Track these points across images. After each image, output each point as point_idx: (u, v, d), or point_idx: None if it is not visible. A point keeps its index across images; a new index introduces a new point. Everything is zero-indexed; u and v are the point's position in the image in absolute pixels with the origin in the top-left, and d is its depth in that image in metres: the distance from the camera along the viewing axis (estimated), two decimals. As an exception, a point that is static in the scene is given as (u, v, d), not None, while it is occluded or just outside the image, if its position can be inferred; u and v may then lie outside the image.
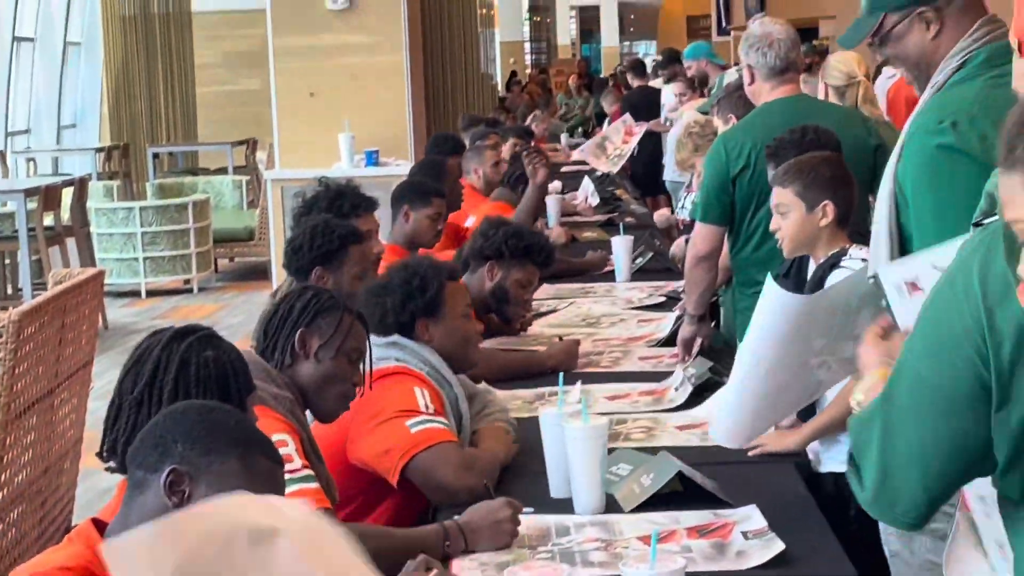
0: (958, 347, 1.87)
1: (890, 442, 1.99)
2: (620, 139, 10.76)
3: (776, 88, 4.75)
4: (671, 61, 12.91)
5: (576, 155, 11.28)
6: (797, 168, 3.69)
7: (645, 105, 11.98)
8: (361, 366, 3.14)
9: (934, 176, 2.79)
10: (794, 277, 3.80)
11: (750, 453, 3.38)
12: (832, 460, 3.43)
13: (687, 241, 5.60)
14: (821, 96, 5.78)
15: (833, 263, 3.56)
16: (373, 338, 3.48)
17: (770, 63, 4.73)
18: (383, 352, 3.47)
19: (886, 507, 2.04)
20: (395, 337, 3.54)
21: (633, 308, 5.31)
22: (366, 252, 4.30)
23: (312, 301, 3.13)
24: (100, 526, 2.14)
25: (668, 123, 11.35)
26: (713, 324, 4.81)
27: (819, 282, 3.53)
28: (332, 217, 4.38)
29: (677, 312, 4.81)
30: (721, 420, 3.35)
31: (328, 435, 3.24)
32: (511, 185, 7.11)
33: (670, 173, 9.85)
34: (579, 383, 3.74)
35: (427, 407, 3.27)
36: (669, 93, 11.61)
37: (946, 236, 2.69)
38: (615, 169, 10.27)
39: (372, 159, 9.66)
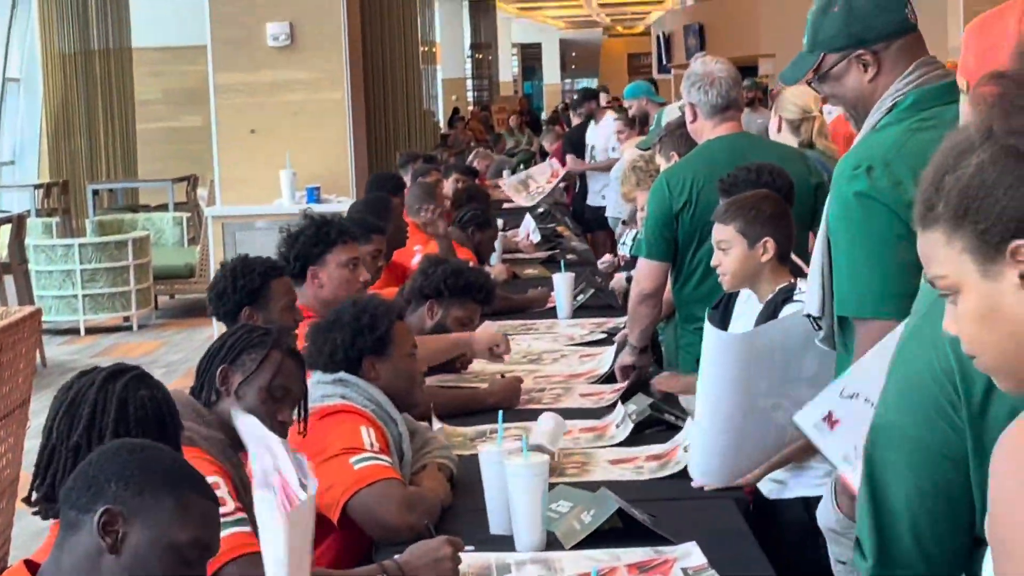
0: (930, 395, 1.88)
1: (878, 501, 1.98)
2: (545, 180, 10.93)
3: (718, 126, 4.79)
4: (586, 99, 13.00)
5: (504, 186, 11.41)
6: (738, 205, 3.73)
7: (584, 143, 12.07)
8: (291, 404, 3.12)
9: (848, 221, 2.82)
10: (722, 311, 3.84)
11: (706, 488, 3.39)
12: (800, 485, 3.44)
13: (628, 279, 5.62)
14: (774, 129, 5.81)
15: (785, 298, 3.59)
16: (319, 375, 3.47)
17: (712, 101, 4.77)
18: (328, 389, 3.45)
19: (886, 572, 2.00)
20: (341, 374, 3.52)
21: (575, 344, 5.32)
22: (287, 284, 4.28)
23: (242, 338, 3.11)
24: (33, 567, 2.11)
25: (593, 161, 11.53)
26: (654, 359, 4.83)
27: (771, 317, 3.56)
28: (247, 256, 4.36)
29: (616, 344, 4.82)
30: (696, 460, 3.37)
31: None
32: (461, 225, 7.11)
33: (612, 210, 9.93)
34: (540, 426, 3.72)
35: (372, 445, 3.26)
36: (595, 131, 11.78)
37: (857, 280, 2.73)
38: (533, 203, 10.42)
39: (313, 196, 9.65)
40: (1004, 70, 1.59)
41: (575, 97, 14.46)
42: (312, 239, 4.63)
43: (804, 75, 3.05)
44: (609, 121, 11.69)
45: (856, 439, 2.21)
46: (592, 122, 12.13)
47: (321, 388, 3.43)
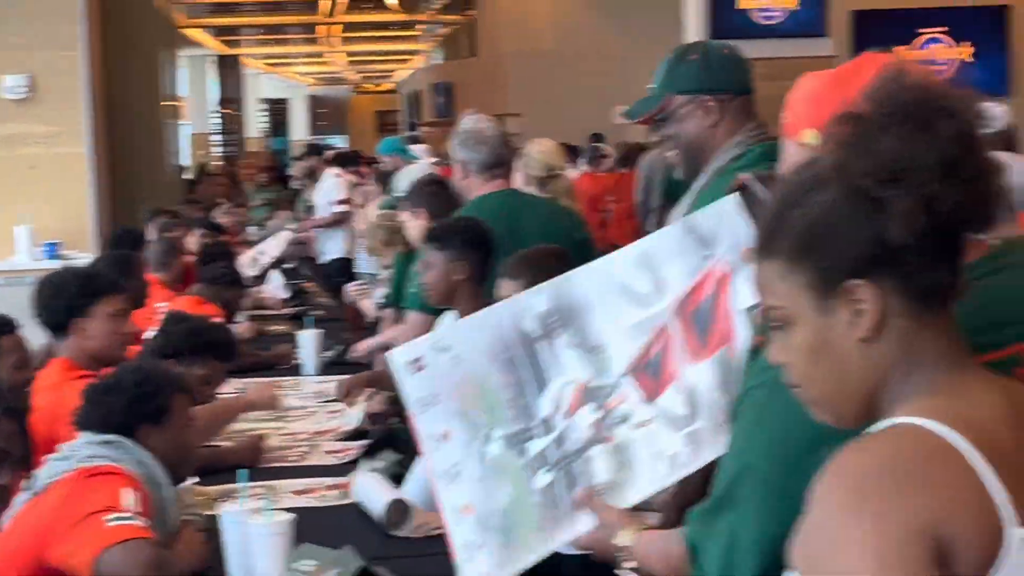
0: (810, 449, 1.85)
1: (734, 540, 2.00)
2: (277, 252, 10.93)
3: (488, 182, 4.86)
4: (309, 154, 13.03)
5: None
6: (526, 262, 3.69)
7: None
8: (11, 467, 3.02)
9: None
10: None
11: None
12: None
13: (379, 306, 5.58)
14: (519, 185, 5.89)
15: None
16: (88, 435, 3.35)
17: (482, 158, 4.84)
18: (98, 450, 3.33)
19: None
20: (113, 436, 3.39)
21: (323, 401, 5.28)
22: (18, 340, 4.16)
23: None
24: None
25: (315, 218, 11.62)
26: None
27: None
28: None
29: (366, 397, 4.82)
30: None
31: (28, 536, 3.11)
32: (210, 282, 7.00)
33: (363, 265, 9.96)
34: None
35: (130, 506, 3.15)
36: (316, 189, 11.86)
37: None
38: (261, 272, 10.43)
39: (53, 251, 9.43)
40: (861, 112, 1.64)
41: (300, 152, 14.50)
42: (77, 291, 4.47)
43: (649, 112, 3.23)
44: (329, 178, 11.75)
45: (433, 388, 2.39)
46: (313, 179, 12.18)
47: (90, 448, 3.32)
